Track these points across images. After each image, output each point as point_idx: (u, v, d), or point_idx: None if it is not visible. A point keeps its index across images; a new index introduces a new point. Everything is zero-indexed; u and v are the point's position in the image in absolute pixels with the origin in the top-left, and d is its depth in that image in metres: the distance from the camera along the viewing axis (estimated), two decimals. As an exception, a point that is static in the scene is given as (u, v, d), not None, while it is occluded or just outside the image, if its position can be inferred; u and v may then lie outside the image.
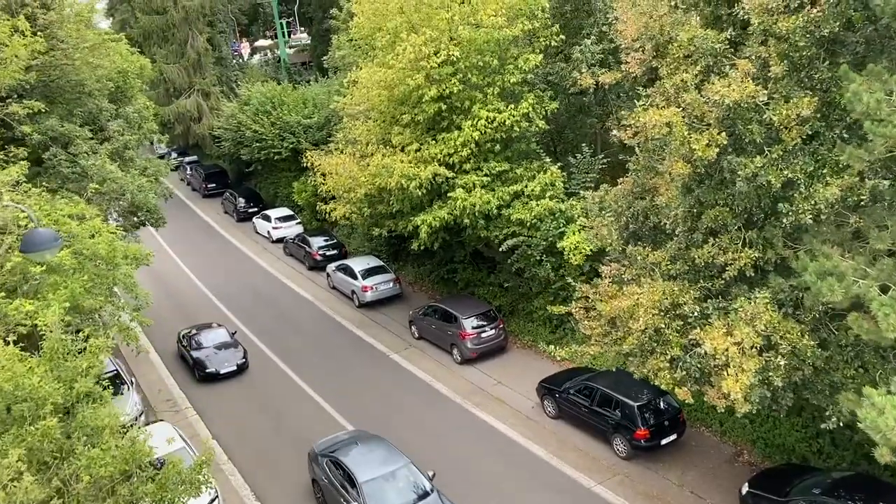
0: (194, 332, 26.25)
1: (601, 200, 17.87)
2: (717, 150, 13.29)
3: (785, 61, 13.24)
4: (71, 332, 12.87)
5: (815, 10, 12.68)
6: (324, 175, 26.76)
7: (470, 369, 24.18)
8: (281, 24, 56.84)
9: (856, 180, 12.50)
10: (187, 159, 54.27)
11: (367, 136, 25.86)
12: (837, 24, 12.57)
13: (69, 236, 15.93)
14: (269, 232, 38.98)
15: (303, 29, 65.91)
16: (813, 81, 13.22)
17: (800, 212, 12.82)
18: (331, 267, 32.04)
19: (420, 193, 23.38)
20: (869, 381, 12.83)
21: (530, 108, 23.56)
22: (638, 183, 16.42)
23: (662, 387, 15.29)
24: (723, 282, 14.35)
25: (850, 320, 11.91)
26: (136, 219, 25.73)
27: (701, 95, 13.61)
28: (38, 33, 20.15)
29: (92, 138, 22.08)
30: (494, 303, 26.41)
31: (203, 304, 31.48)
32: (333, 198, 27.23)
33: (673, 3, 15.35)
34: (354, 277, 29.88)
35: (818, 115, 13.17)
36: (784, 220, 13.16)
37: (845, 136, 12.96)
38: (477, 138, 23.31)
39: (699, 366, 14.11)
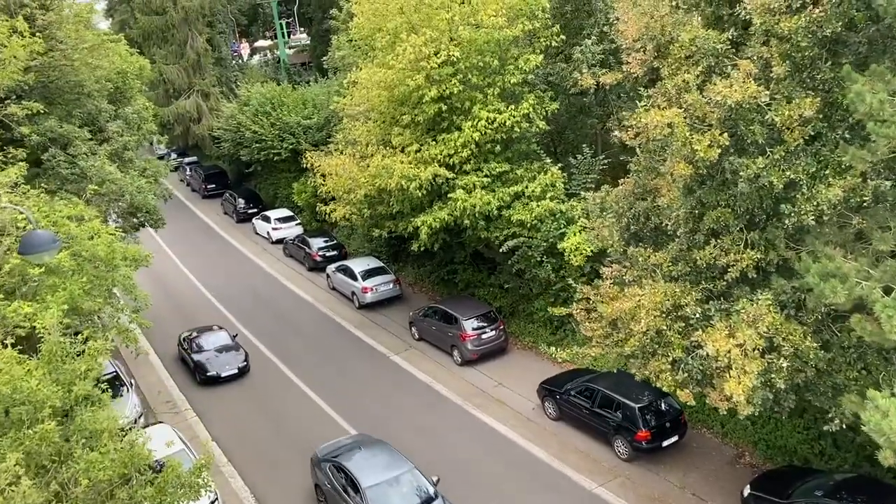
0: (195, 334, 26.11)
1: (602, 201, 17.80)
2: (718, 150, 13.22)
3: (787, 62, 13.17)
4: (70, 334, 12.82)
5: (817, 11, 12.60)
6: (323, 176, 26.70)
7: (470, 371, 24.12)
8: (280, 24, 56.82)
9: (858, 181, 12.43)
10: (187, 160, 54.22)
11: (367, 137, 25.81)
12: (840, 24, 12.49)
13: (68, 238, 15.86)
14: (268, 233, 38.92)
15: (302, 29, 65.91)
16: (815, 82, 13.15)
17: (802, 213, 12.75)
18: (331, 268, 31.98)
19: (420, 194, 23.33)
20: (872, 383, 12.79)
21: (531, 109, 23.51)
22: (639, 184, 16.35)
23: (664, 389, 15.23)
24: (725, 283, 14.28)
25: (852, 322, 11.85)
26: (135, 220, 25.68)
27: (703, 96, 13.55)
28: (37, 34, 20.08)
29: (91, 139, 22.02)
30: (495, 304, 26.35)
31: (202, 305, 31.42)
32: (333, 199, 27.17)
33: (674, 4, 15.29)
34: (354, 278, 29.82)
35: (820, 116, 13.10)
36: (786, 222, 13.09)
37: (847, 136, 12.89)
38: (477, 139, 23.26)
39: (701, 368, 14.04)
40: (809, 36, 12.76)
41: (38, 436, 9.39)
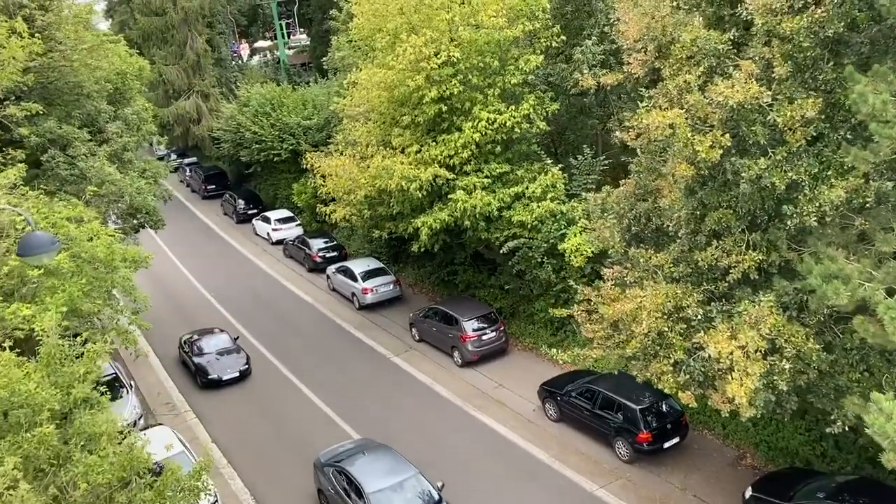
0: (196, 337, 25.91)
1: (603, 202, 17.74)
2: (720, 151, 13.16)
3: (789, 62, 13.11)
4: (69, 336, 12.76)
5: (819, 11, 12.53)
6: (323, 177, 26.65)
7: (471, 372, 24.06)
8: (280, 25, 56.81)
9: (861, 182, 12.37)
10: (187, 161, 54.18)
11: (367, 138, 25.75)
12: (842, 24, 12.42)
13: (67, 239, 15.80)
14: (268, 234, 38.87)
15: (302, 30, 65.88)
16: (817, 82, 13.09)
17: (804, 214, 12.69)
18: (331, 269, 31.92)
19: (420, 195, 23.28)
20: (874, 385, 12.75)
21: (531, 110, 23.46)
22: (640, 185, 16.30)
23: (666, 391, 15.18)
24: (726, 284, 14.23)
25: (855, 323, 11.80)
26: (135, 221, 25.62)
27: (704, 97, 13.49)
28: (36, 35, 20.01)
29: (90, 140, 21.97)
30: (495, 305, 26.30)
31: (202, 306, 31.37)
32: (333, 200, 27.12)
33: (675, 4, 15.24)
34: (354, 279, 29.77)
35: (822, 117, 13.04)
36: (788, 223, 13.04)
37: (850, 137, 12.83)
38: (477, 140, 23.21)
39: (703, 369, 13.98)
40: (811, 36, 12.70)
41: (37, 439, 9.32)
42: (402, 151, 24.31)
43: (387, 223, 26.29)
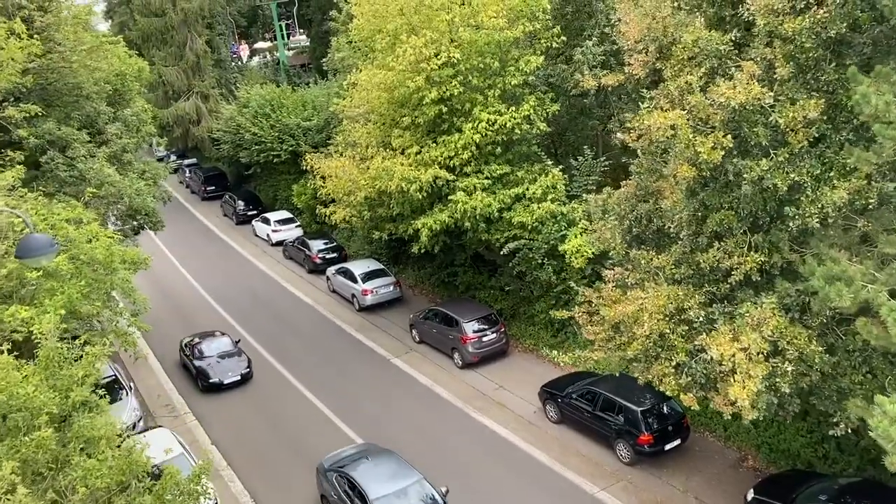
0: (197, 340, 25.68)
1: (604, 203, 17.68)
2: (722, 152, 13.10)
3: (791, 63, 13.05)
4: (68, 338, 12.70)
5: (821, 11, 12.48)
6: (323, 178, 26.61)
7: (471, 373, 24.00)
8: (280, 26, 56.76)
9: (863, 183, 12.32)
10: (186, 162, 54.16)
11: (367, 139, 25.70)
12: (844, 25, 12.37)
13: (66, 241, 15.75)
14: (268, 235, 38.81)
15: (302, 31, 65.82)
16: (819, 83, 13.03)
17: (806, 215, 12.64)
18: (331, 270, 31.85)
19: (420, 196, 23.22)
20: (877, 387, 12.70)
21: (531, 111, 23.40)
22: (641, 186, 16.23)
23: (668, 393, 15.10)
24: (728, 286, 14.16)
25: (858, 325, 11.74)
26: (134, 222, 25.55)
27: (706, 98, 13.43)
28: (35, 36, 19.96)
29: (90, 142, 21.90)
30: (495, 306, 26.25)
31: (202, 307, 31.31)
32: (333, 201, 27.06)
33: (676, 5, 15.18)
34: (354, 281, 29.71)
35: (825, 118, 12.99)
36: (790, 224, 12.98)
37: (852, 138, 12.79)
38: (478, 141, 23.16)
39: (705, 372, 13.92)
40: (813, 37, 12.64)
41: (35, 443, 9.27)
42: (402, 153, 24.25)
43: (387, 224, 26.23)
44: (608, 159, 24.66)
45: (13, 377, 9.73)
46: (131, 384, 23.58)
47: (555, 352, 23.82)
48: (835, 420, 13.37)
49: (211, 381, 24.06)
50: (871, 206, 12.27)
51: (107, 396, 11.30)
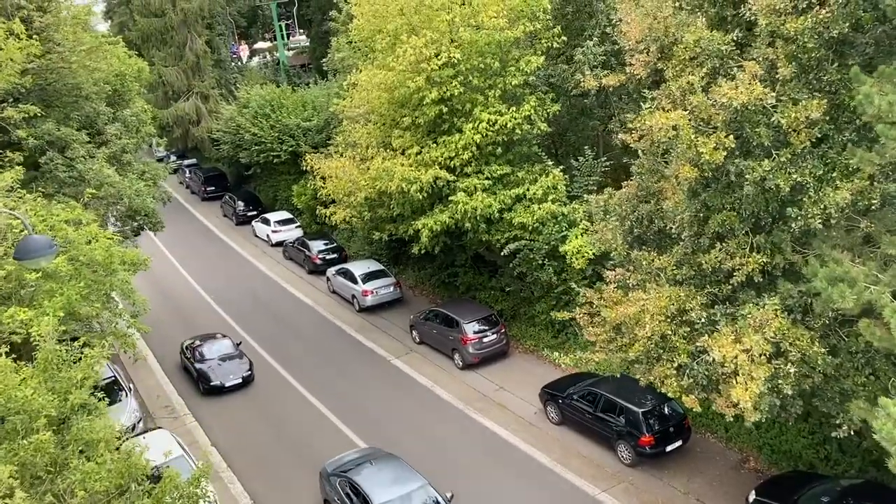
0: (198, 342, 25.50)
1: (605, 204, 17.63)
2: (724, 153, 13.05)
3: (793, 63, 12.99)
4: (67, 339, 12.65)
5: (823, 11, 12.42)
6: (323, 178, 26.55)
7: (472, 374, 23.94)
8: (280, 26, 56.68)
9: (866, 184, 12.26)
10: (186, 162, 54.10)
11: (367, 139, 25.64)
12: (847, 24, 12.31)
13: (65, 242, 15.71)
14: (268, 235, 38.75)
15: (302, 31, 65.75)
16: (822, 83, 12.96)
17: (809, 216, 12.57)
18: (331, 271, 31.79)
19: (421, 197, 23.16)
20: (880, 389, 12.64)
21: (532, 111, 23.35)
22: (642, 186, 16.17)
23: (669, 394, 15.03)
24: (730, 287, 14.10)
25: (861, 327, 11.68)
26: (134, 223, 25.49)
27: (708, 98, 13.37)
28: (34, 36, 19.92)
29: (89, 142, 21.86)
30: (496, 307, 26.19)
31: (202, 308, 31.25)
32: (333, 201, 27.00)
33: (677, 5, 15.12)
34: (354, 281, 29.65)
35: (827, 118, 12.91)
36: (793, 225, 12.91)
37: (855, 139, 12.72)
38: (478, 141, 23.09)
39: (707, 373, 13.85)
40: (816, 37, 12.58)
41: (33, 446, 9.21)
42: (403, 153, 24.20)
43: (387, 225, 26.17)
44: (609, 160, 24.60)
45: (11, 380, 9.68)
46: (131, 385, 23.52)
47: (556, 353, 23.76)
48: (837, 422, 13.31)
49: (212, 384, 23.88)
50: (873, 207, 12.21)
51: (106, 399, 11.23)
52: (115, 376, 22.72)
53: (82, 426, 10.01)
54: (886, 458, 10.83)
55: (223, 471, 19.94)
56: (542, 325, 25.01)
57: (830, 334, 13.39)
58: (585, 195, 21.83)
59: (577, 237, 22.40)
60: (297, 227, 38.70)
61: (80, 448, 9.85)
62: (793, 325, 13.19)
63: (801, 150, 12.90)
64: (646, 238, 16.44)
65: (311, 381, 24.46)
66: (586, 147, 24.95)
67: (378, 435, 20.59)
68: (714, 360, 13.33)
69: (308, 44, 61.59)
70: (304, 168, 29.11)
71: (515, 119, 22.97)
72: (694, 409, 15.09)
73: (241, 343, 26.29)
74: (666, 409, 18.71)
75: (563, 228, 23.07)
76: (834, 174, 12.73)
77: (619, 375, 18.19)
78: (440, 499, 16.44)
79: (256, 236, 39.99)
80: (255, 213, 41.91)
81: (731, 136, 13.11)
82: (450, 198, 23.39)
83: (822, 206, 12.47)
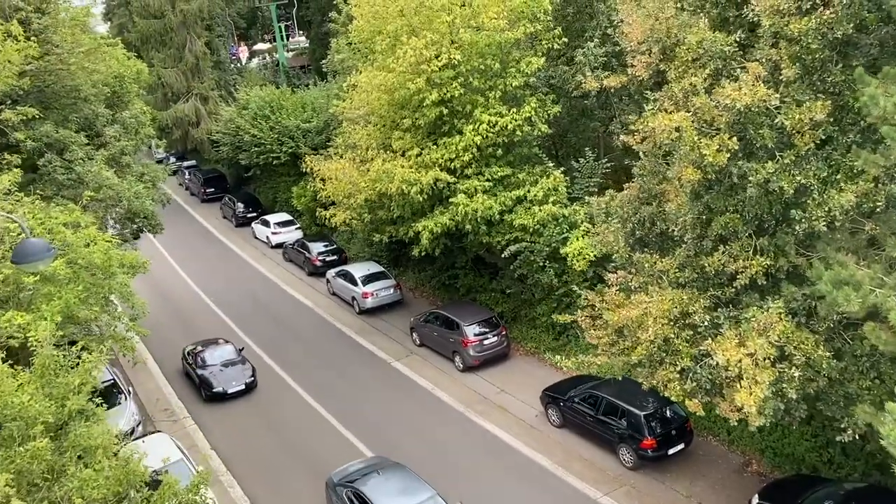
0: (200, 348, 25.17)
1: (607, 206, 17.52)
2: (727, 155, 12.92)
3: (797, 64, 12.88)
4: (65, 343, 12.52)
5: (827, 12, 12.30)
6: (323, 180, 26.44)
7: (472, 377, 23.83)
8: (279, 27, 56.61)
9: (871, 186, 12.14)
10: (185, 164, 54.00)
11: (367, 141, 25.54)
12: (851, 25, 12.19)
13: (63, 245, 15.60)
14: (268, 237, 38.65)
15: (301, 32, 65.70)
16: (826, 85, 12.85)
17: (813, 218, 12.46)
18: (331, 273, 31.69)
19: (421, 199, 23.06)
20: (885, 393, 12.54)
21: (532, 112, 23.26)
22: (644, 188, 16.06)
23: (672, 398, 14.91)
24: (733, 290, 13.98)
25: (866, 330, 11.57)
26: (133, 225, 25.38)
27: (711, 99, 13.26)
28: (33, 38, 19.84)
29: (88, 144, 21.77)
30: (497, 309, 26.09)
31: (201, 310, 31.14)
32: (333, 203, 26.90)
33: (679, 5, 15.03)
34: (355, 283, 29.55)
35: (831, 120, 12.80)
36: (797, 227, 12.80)
37: (859, 140, 12.62)
38: (479, 143, 23.01)
39: (710, 377, 13.73)
40: (820, 38, 12.46)
41: (30, 453, 9.09)
42: (403, 155, 24.10)
43: (387, 227, 26.07)
44: (610, 161, 24.51)
45: (8, 385, 9.56)
46: (130, 389, 23.40)
47: (557, 356, 23.69)
48: (842, 426, 13.19)
49: (214, 390, 23.56)
50: (878, 210, 12.10)
51: (104, 404, 11.11)
52: (114, 379, 22.60)
53: (80, 432, 9.89)
54: (893, 464, 10.74)
55: (223, 474, 19.83)
56: (543, 327, 24.91)
57: (835, 338, 13.28)
58: (586, 197, 21.73)
59: (578, 239, 22.29)
60: (296, 228, 38.60)
61: (77, 455, 9.73)
62: (797, 329, 13.07)
63: (805, 151, 12.78)
64: (648, 240, 16.33)
65: (312, 383, 24.35)
66: (587, 149, 24.86)
67: (378, 438, 20.48)
68: (717, 363, 13.21)
69: (308, 45, 61.52)
70: (304, 170, 29.01)
71: (516, 120, 22.89)
72: (697, 413, 14.98)
73: (243, 348, 25.97)
74: (668, 412, 18.61)
75: (564, 230, 22.98)
76: (838, 176, 12.62)
77: (620, 378, 18.11)
78: None
79: (256, 238, 39.89)
80: (254, 214, 41.81)
81: (735, 138, 12.99)
82: (450, 199, 23.29)
83: (826, 209, 12.35)
